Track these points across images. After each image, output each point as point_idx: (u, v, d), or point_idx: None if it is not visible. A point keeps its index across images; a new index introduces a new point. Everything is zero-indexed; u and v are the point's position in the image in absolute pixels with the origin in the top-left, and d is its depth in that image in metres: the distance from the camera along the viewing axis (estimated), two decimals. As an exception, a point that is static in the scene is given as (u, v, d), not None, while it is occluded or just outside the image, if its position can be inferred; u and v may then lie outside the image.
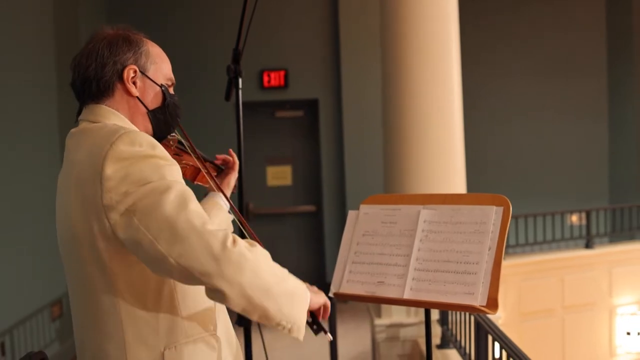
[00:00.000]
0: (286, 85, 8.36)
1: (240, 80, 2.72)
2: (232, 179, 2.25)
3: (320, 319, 1.86)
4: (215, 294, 1.55)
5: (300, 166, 8.64)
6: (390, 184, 4.78)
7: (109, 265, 1.61)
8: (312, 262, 8.65)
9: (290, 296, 1.66)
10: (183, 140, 2.01)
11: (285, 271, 1.69)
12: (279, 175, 8.59)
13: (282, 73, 8.35)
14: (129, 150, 1.57)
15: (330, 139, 8.44)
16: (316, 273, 8.62)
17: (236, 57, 2.70)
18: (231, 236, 1.55)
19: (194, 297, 1.72)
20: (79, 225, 1.62)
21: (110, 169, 1.56)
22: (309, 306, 1.75)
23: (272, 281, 1.60)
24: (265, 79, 8.33)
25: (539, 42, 9.14)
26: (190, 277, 1.53)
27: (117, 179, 1.55)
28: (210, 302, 1.76)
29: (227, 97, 2.78)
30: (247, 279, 1.54)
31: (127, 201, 1.55)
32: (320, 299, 1.84)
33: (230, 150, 2.25)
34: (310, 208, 8.64)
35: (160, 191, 1.54)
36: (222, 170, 2.27)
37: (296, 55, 8.40)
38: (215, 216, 2.08)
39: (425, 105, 4.56)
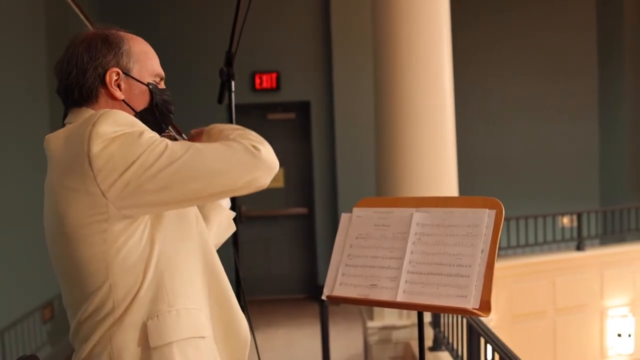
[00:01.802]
0: (278, 87, 8.36)
1: (232, 83, 2.71)
2: None
3: None
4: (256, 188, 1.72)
5: (292, 168, 8.65)
6: (382, 187, 4.79)
7: (102, 248, 1.59)
8: (305, 265, 8.66)
9: None
10: (177, 137, 2.00)
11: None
12: (271, 178, 8.58)
13: (274, 75, 8.35)
14: (112, 129, 1.56)
15: (322, 141, 8.45)
16: (308, 275, 8.62)
17: (229, 60, 2.69)
18: (246, 143, 1.68)
19: (180, 271, 1.70)
20: (68, 215, 1.60)
21: (96, 148, 1.54)
22: None
23: None
24: (257, 81, 8.34)
25: (530, 44, 9.17)
26: (236, 191, 1.70)
27: (106, 157, 1.54)
28: (196, 279, 1.75)
29: (220, 100, 2.77)
30: (275, 162, 1.73)
31: (127, 175, 1.54)
32: None
33: None
34: (302, 210, 8.65)
35: (160, 151, 1.58)
36: None
37: (288, 58, 8.41)
38: (215, 218, 2.06)
39: (417, 107, 4.57)
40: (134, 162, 1.55)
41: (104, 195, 1.55)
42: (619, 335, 6.68)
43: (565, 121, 9.26)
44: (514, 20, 9.20)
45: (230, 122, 2.73)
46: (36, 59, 6.15)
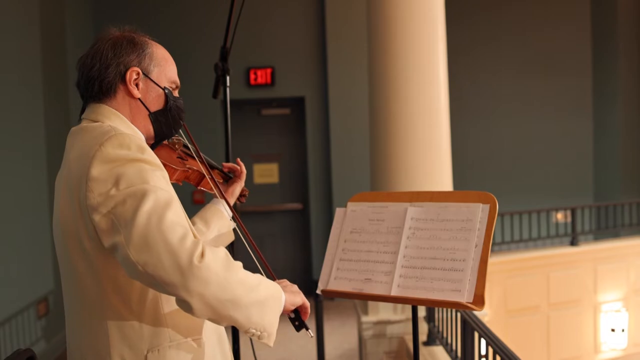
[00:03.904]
0: (273, 83, 8.36)
1: (227, 78, 2.72)
2: (238, 188, 2.26)
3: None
4: (182, 303, 1.55)
5: (286, 164, 8.65)
6: (377, 182, 4.79)
7: (95, 264, 1.62)
8: (299, 260, 8.66)
9: (260, 305, 1.65)
10: (189, 144, 2.02)
11: (257, 278, 1.67)
12: (266, 173, 8.60)
13: (268, 71, 8.35)
14: (117, 152, 1.58)
15: (317, 136, 8.45)
16: (303, 271, 8.63)
17: (224, 55, 2.70)
18: (200, 250, 1.53)
19: None
20: (67, 223, 1.64)
21: (96, 170, 1.56)
22: (284, 308, 1.75)
23: (241, 293, 1.59)
24: (252, 76, 8.33)
25: (524, 40, 9.19)
26: (156, 285, 1.54)
27: (102, 181, 1.56)
28: None
29: (215, 95, 2.78)
30: (212, 293, 1.54)
31: (108, 204, 1.55)
32: (296, 299, 1.81)
33: (239, 159, 2.25)
34: (297, 206, 8.65)
35: (138, 197, 1.54)
36: (229, 178, 2.28)
37: (283, 53, 8.41)
38: (215, 224, 2.09)
39: (411, 102, 4.58)
40: (114, 195, 1.55)
41: (89, 216, 1.57)
42: (613, 330, 6.71)
43: (560, 118, 9.28)
44: (508, 17, 9.20)
45: (225, 116, 2.73)
46: (32, 60, 6.13)
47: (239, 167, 2.26)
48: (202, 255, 1.52)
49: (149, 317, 1.66)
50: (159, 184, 1.60)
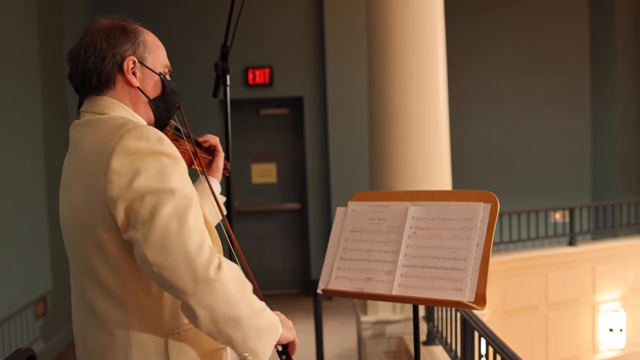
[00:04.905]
0: (271, 82, 8.35)
1: (227, 77, 2.72)
2: (220, 160, 2.26)
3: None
4: (187, 311, 1.57)
5: (285, 164, 8.65)
6: (376, 181, 4.79)
7: (113, 254, 1.62)
8: (297, 260, 8.66)
9: (258, 331, 1.65)
10: (180, 127, 2.04)
11: (262, 305, 1.70)
12: (264, 173, 8.59)
13: (267, 70, 8.34)
14: (137, 145, 1.58)
15: (315, 136, 8.45)
16: (301, 271, 8.63)
17: (224, 54, 2.70)
18: (217, 261, 1.55)
19: None
20: (83, 215, 1.64)
21: (116, 163, 1.56)
22: (278, 341, 1.76)
23: (245, 314, 1.61)
24: (250, 76, 8.32)
25: (523, 40, 9.19)
26: (167, 289, 1.56)
27: (122, 174, 1.56)
28: None
29: (215, 94, 2.79)
30: (220, 308, 1.56)
31: (127, 197, 1.55)
32: (289, 334, 1.81)
33: (208, 134, 2.23)
34: (295, 205, 8.65)
35: (158, 197, 1.55)
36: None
37: (281, 53, 8.40)
38: (206, 202, 2.09)
39: (411, 102, 4.58)
40: (135, 190, 1.55)
41: (109, 208, 1.58)
42: (611, 330, 6.72)
43: (558, 117, 9.29)
44: (508, 16, 9.21)
45: (226, 115, 2.73)
46: (31, 59, 6.11)
47: (212, 141, 2.22)
48: (219, 267, 1.55)
49: (168, 300, 1.67)
50: (180, 183, 1.60)
